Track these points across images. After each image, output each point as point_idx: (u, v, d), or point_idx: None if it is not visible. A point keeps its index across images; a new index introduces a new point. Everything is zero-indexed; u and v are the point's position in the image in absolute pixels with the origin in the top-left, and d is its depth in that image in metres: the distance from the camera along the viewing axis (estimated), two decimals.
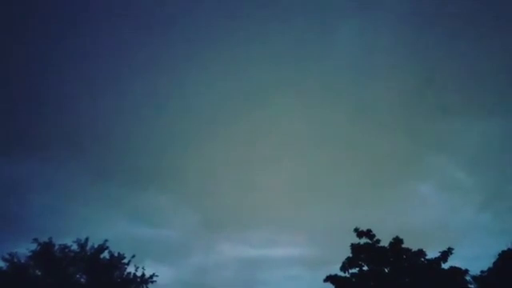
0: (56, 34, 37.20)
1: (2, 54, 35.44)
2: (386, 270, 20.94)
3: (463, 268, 20.72)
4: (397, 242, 21.09)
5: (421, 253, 20.98)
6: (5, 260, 21.91)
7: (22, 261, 22.12)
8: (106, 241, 23.23)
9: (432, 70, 38.56)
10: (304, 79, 39.17)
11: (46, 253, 22.22)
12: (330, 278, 20.81)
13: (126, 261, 23.32)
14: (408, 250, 21.05)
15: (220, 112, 38.51)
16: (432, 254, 20.99)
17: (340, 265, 20.84)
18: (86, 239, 23.04)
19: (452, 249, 20.85)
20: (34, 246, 22.21)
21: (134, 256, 23.36)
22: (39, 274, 22.25)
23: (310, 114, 39.03)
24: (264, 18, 38.59)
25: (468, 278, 20.98)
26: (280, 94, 38.65)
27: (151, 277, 23.42)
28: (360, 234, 21.08)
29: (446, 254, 20.75)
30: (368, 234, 21.09)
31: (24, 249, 22.13)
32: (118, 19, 37.22)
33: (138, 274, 23.30)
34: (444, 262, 20.78)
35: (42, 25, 36.48)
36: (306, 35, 39.59)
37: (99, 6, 37.13)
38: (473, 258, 25.46)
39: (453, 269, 20.63)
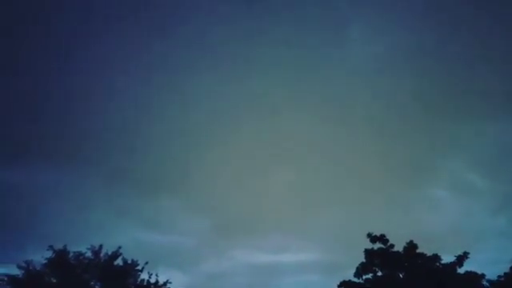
0: (67, 40, 37.41)
1: (22, 65, 35.96)
2: (401, 276, 20.85)
3: (479, 272, 20.56)
4: (411, 246, 21.00)
5: (436, 257, 20.88)
6: (21, 268, 22.04)
7: (38, 268, 22.25)
8: (120, 248, 23.32)
9: (444, 71, 38.29)
10: (316, 82, 39.08)
11: (60, 260, 22.32)
12: (344, 284, 20.81)
13: (139, 268, 23.37)
14: (423, 255, 20.95)
15: (231, 115, 38.54)
16: (447, 258, 20.89)
17: (353, 270, 20.83)
18: (100, 246, 23.08)
19: (467, 253, 20.72)
20: (49, 254, 22.33)
21: (147, 263, 23.38)
22: (54, 281, 22.38)
23: (321, 118, 38.92)
24: (272, 19, 38.63)
25: (484, 282, 20.78)
26: (292, 97, 38.58)
27: (165, 284, 23.47)
28: (373, 239, 21.03)
29: (461, 259, 20.62)
30: (382, 239, 21.04)
31: (39, 256, 22.27)
32: (122, 21, 37.36)
33: (152, 280, 23.40)
34: (459, 267, 20.66)
35: (58, 28, 36.74)
36: (315, 38, 39.48)
37: (103, 8, 37.27)
38: (489, 262, 25.15)
39: (469, 273, 20.49)
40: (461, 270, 20.67)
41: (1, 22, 34.46)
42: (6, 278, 22.01)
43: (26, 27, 36.08)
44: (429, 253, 21.03)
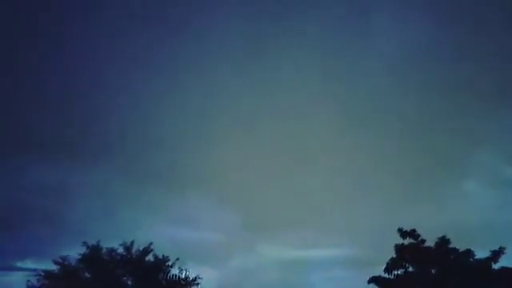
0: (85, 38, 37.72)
1: (43, 65, 36.78)
2: (433, 271, 20.43)
3: None
4: (443, 241, 20.52)
5: (469, 253, 20.33)
6: (57, 263, 22.80)
7: (73, 264, 22.92)
8: (151, 244, 23.75)
9: (476, 61, 37.05)
10: (343, 75, 38.49)
11: (94, 256, 22.96)
12: (374, 280, 20.53)
13: (170, 263, 23.80)
14: (455, 250, 20.44)
15: (260, 112, 38.47)
16: (481, 254, 20.32)
17: (383, 266, 20.54)
18: (132, 242, 23.57)
19: (504, 248, 20.08)
20: (83, 250, 22.96)
21: (177, 259, 23.83)
22: (88, 276, 23.08)
23: (348, 113, 38.40)
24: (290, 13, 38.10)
25: None
26: (323, 92, 38.05)
27: (195, 279, 23.83)
28: (404, 234, 20.63)
29: (496, 254, 20.01)
30: (412, 234, 20.61)
31: (74, 252, 22.96)
32: (138, 21, 37.48)
33: (182, 276, 23.77)
34: (495, 263, 20.06)
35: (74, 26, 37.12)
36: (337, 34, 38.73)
37: (115, 7, 37.36)
38: None
39: (504, 269, 19.88)
40: (496, 266, 20.09)
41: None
42: (42, 273, 22.84)
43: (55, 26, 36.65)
44: (462, 248, 20.49)
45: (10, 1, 35.87)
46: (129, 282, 23.43)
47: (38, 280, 22.75)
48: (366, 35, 38.71)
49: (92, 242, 23.12)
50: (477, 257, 20.30)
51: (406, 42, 38.32)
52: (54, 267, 22.87)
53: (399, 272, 20.42)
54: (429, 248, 20.59)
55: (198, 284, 23.95)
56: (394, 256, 20.57)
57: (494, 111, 37.39)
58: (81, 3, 37.34)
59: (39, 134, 35.19)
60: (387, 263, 20.43)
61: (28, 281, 22.83)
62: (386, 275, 20.40)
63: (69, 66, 37.42)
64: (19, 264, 28.67)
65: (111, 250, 23.31)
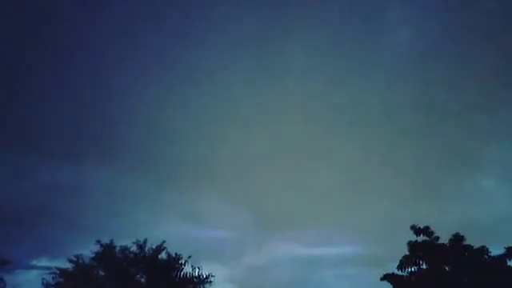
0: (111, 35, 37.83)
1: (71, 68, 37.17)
2: (447, 269, 20.24)
3: None
4: (457, 238, 20.34)
5: (483, 250, 20.12)
6: (71, 261, 23.12)
7: (87, 262, 23.21)
8: (164, 242, 23.96)
9: (496, 56, 36.53)
10: (350, 74, 38.30)
11: (107, 254, 23.21)
12: (387, 277, 20.41)
13: (182, 261, 23.96)
14: (470, 247, 20.24)
15: (273, 112, 38.46)
16: (496, 250, 20.10)
17: (396, 263, 20.41)
18: (145, 240, 23.82)
19: None
20: (96, 248, 23.25)
21: (190, 257, 23.98)
22: (102, 274, 23.31)
23: (359, 114, 38.23)
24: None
25: None
26: (335, 90, 37.86)
27: (207, 277, 23.93)
28: (417, 231, 20.49)
29: (511, 251, 19.78)
30: (426, 231, 20.47)
31: (88, 251, 23.28)
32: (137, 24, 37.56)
33: (195, 274, 23.89)
34: (509, 259, 19.83)
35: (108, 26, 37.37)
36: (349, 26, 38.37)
37: (118, 8, 37.38)
38: None
39: None
40: (511, 263, 19.85)
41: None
42: (57, 272, 23.14)
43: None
44: (476, 245, 20.31)
45: (10, 1, 36.23)
46: (142, 280, 23.60)
47: (53, 278, 23.09)
48: (370, 35, 38.52)
49: (105, 240, 23.44)
50: (492, 253, 20.07)
51: (411, 41, 38.06)
52: (68, 265, 23.23)
53: (412, 269, 20.26)
54: (443, 245, 20.42)
55: (210, 282, 24.08)
56: (407, 253, 20.43)
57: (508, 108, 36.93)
58: (87, 4, 37.71)
59: (52, 135, 35.63)
60: (400, 260, 20.30)
61: (43, 279, 23.23)
62: (399, 272, 20.27)
63: (75, 68, 37.86)
64: (34, 262, 29.07)
65: (124, 248, 23.54)
